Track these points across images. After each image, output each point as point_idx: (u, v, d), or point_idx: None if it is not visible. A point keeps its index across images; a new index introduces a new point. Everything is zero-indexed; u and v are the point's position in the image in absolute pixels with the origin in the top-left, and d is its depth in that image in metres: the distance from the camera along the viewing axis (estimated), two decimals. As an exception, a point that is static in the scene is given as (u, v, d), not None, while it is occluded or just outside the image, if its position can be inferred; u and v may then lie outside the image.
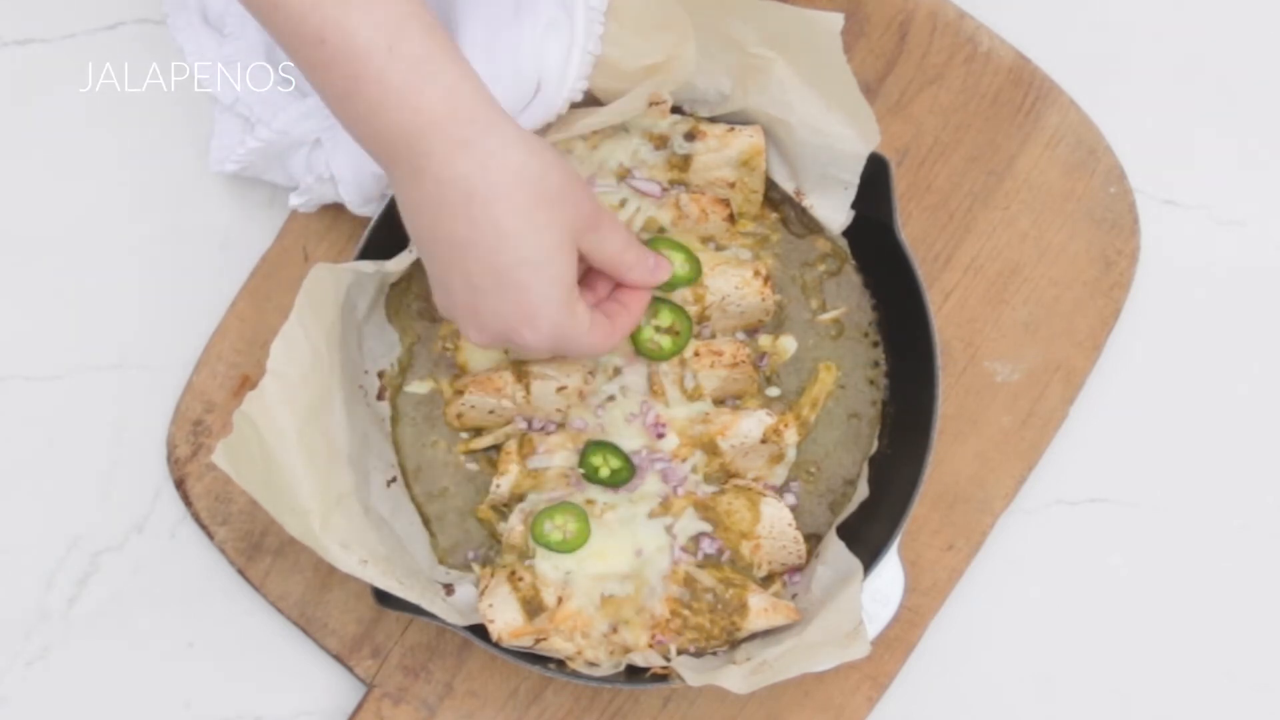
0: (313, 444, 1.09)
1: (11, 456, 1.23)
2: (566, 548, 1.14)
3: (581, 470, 1.15)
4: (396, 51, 0.96)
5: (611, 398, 1.16)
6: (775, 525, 1.15)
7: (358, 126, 0.99)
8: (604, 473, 1.15)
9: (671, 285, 1.15)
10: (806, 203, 1.18)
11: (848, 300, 1.21)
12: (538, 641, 1.13)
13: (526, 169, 0.98)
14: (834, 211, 1.17)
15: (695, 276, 1.15)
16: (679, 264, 1.15)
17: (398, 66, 0.96)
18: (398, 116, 0.96)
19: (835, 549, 1.15)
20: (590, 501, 1.14)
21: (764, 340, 1.20)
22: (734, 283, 1.16)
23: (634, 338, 1.15)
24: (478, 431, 1.19)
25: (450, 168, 0.97)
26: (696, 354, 1.16)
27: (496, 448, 1.19)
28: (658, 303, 1.15)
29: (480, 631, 1.14)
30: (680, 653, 1.14)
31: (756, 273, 1.16)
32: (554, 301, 1.01)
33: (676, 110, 1.17)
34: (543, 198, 0.99)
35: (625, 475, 1.15)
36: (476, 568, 1.18)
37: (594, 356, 1.09)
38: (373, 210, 1.16)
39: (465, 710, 1.21)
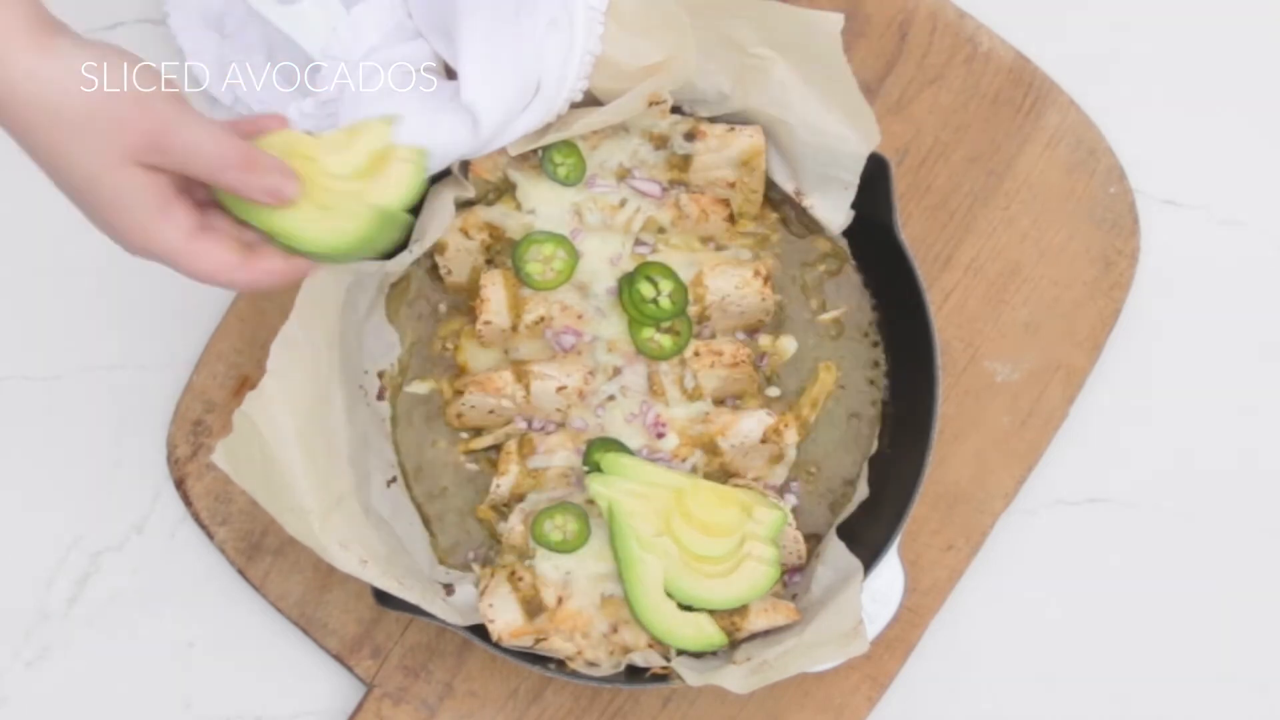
0: (312, 444, 1.09)
1: (11, 456, 1.23)
2: (566, 548, 1.14)
3: (586, 468, 1.15)
4: None
5: (611, 398, 1.16)
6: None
7: None
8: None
9: (655, 316, 1.14)
10: (806, 203, 1.18)
11: (848, 300, 1.21)
12: (538, 641, 1.13)
13: (44, 100, 0.91)
14: (834, 211, 1.17)
15: (681, 309, 1.15)
16: (666, 292, 1.14)
17: None
18: None
19: (835, 549, 1.15)
20: (590, 501, 1.14)
21: (764, 340, 1.20)
22: (734, 283, 1.16)
23: (634, 337, 1.15)
24: (478, 431, 1.19)
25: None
26: (696, 354, 1.16)
27: (496, 448, 1.19)
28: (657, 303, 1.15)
29: (480, 631, 1.14)
30: (680, 653, 1.14)
31: (756, 273, 1.16)
32: (128, 224, 0.95)
33: (676, 110, 1.17)
34: (72, 121, 0.92)
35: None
36: (476, 568, 1.18)
37: (214, 284, 0.98)
38: (373, 210, 1.16)
39: (465, 710, 1.21)
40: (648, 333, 1.15)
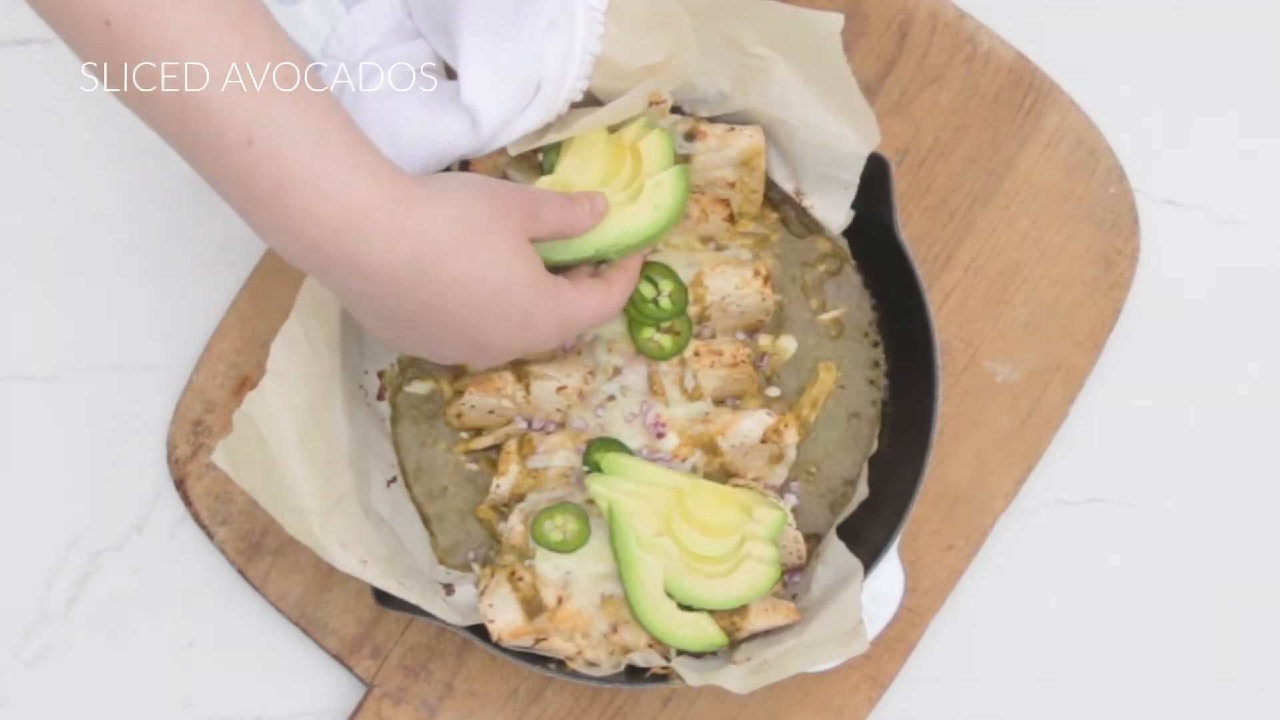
0: (313, 444, 1.09)
1: (11, 456, 1.23)
2: (566, 548, 1.14)
3: (586, 468, 1.15)
4: (323, 145, 0.91)
5: (611, 398, 1.16)
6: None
7: (284, 235, 0.93)
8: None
9: (656, 316, 1.15)
10: (806, 203, 1.18)
11: (848, 300, 1.21)
12: (538, 641, 1.13)
13: (453, 217, 0.96)
14: (834, 211, 1.17)
15: (681, 309, 1.15)
16: (666, 292, 1.15)
17: (325, 164, 0.91)
18: (330, 217, 0.91)
19: (835, 549, 1.15)
20: (590, 501, 1.14)
21: (764, 340, 1.20)
22: (734, 283, 1.16)
23: (634, 337, 1.15)
24: (478, 431, 1.19)
25: (392, 252, 0.94)
26: (696, 354, 1.16)
27: (496, 448, 1.19)
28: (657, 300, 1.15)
29: (480, 631, 1.14)
30: (680, 653, 1.14)
31: (756, 273, 1.16)
32: (539, 299, 1.01)
33: (676, 110, 1.17)
34: (477, 230, 0.97)
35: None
36: (476, 568, 1.18)
37: (604, 320, 1.08)
38: (373, 210, 1.15)
39: (465, 710, 1.21)
40: (648, 333, 1.15)
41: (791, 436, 1.16)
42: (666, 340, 1.16)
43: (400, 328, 1.00)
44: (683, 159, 1.16)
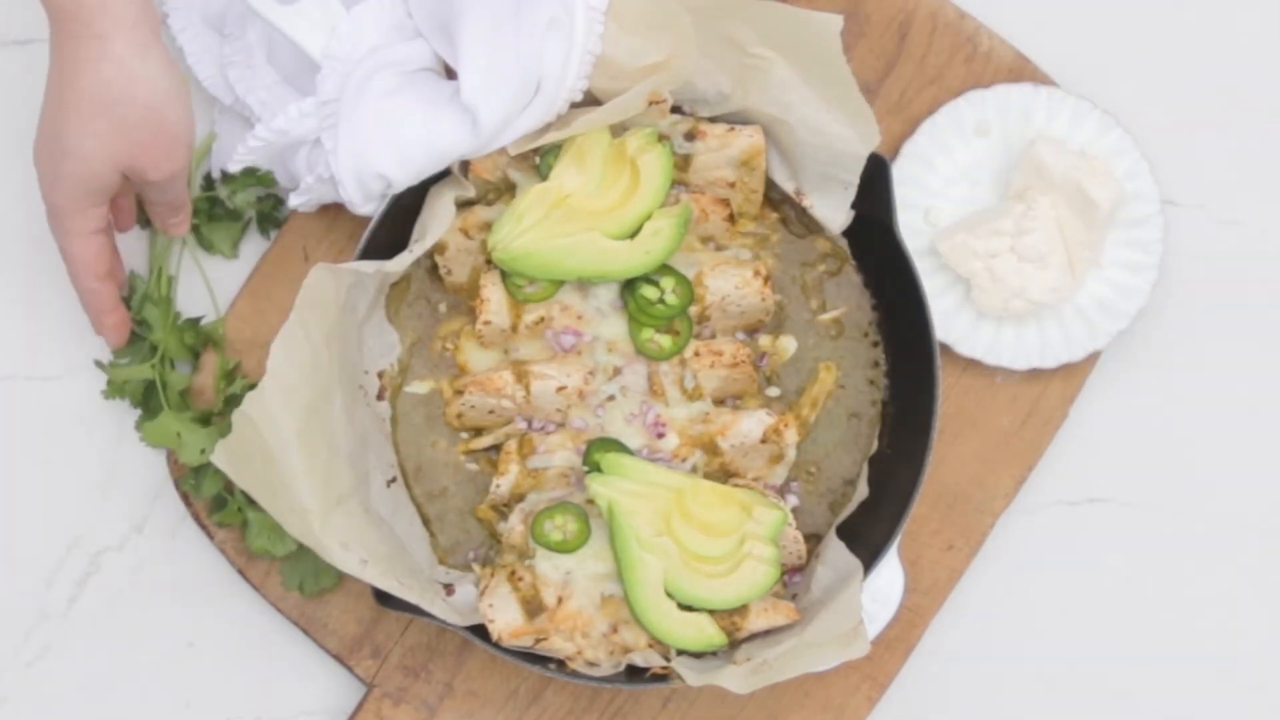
0: (312, 444, 1.09)
1: (11, 456, 1.23)
2: (566, 548, 1.14)
3: (586, 468, 1.15)
4: None
5: (611, 398, 1.16)
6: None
7: None
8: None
9: (663, 315, 1.15)
10: (806, 203, 1.18)
11: (848, 300, 1.21)
12: (538, 641, 1.13)
13: (110, 82, 1.05)
14: (834, 211, 1.17)
15: (687, 302, 1.15)
16: (670, 289, 1.15)
17: None
18: None
19: (835, 549, 1.15)
20: (590, 501, 1.14)
21: (764, 340, 1.20)
22: (734, 283, 1.16)
23: (634, 338, 1.15)
24: (478, 431, 1.19)
25: (76, 47, 1.04)
26: (696, 354, 1.16)
27: (496, 448, 1.19)
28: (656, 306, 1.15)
29: (480, 631, 1.14)
30: (680, 653, 1.14)
31: (756, 273, 1.16)
32: (66, 193, 1.09)
33: (676, 110, 1.17)
34: (108, 109, 1.05)
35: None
36: (476, 568, 1.18)
37: (71, 267, 1.13)
38: (373, 210, 1.16)
39: (465, 710, 1.21)
40: (648, 333, 1.15)
41: (791, 436, 1.16)
42: (666, 340, 1.16)
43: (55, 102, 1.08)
44: (680, 176, 1.16)
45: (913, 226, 1.15)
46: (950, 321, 1.20)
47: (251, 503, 1.17)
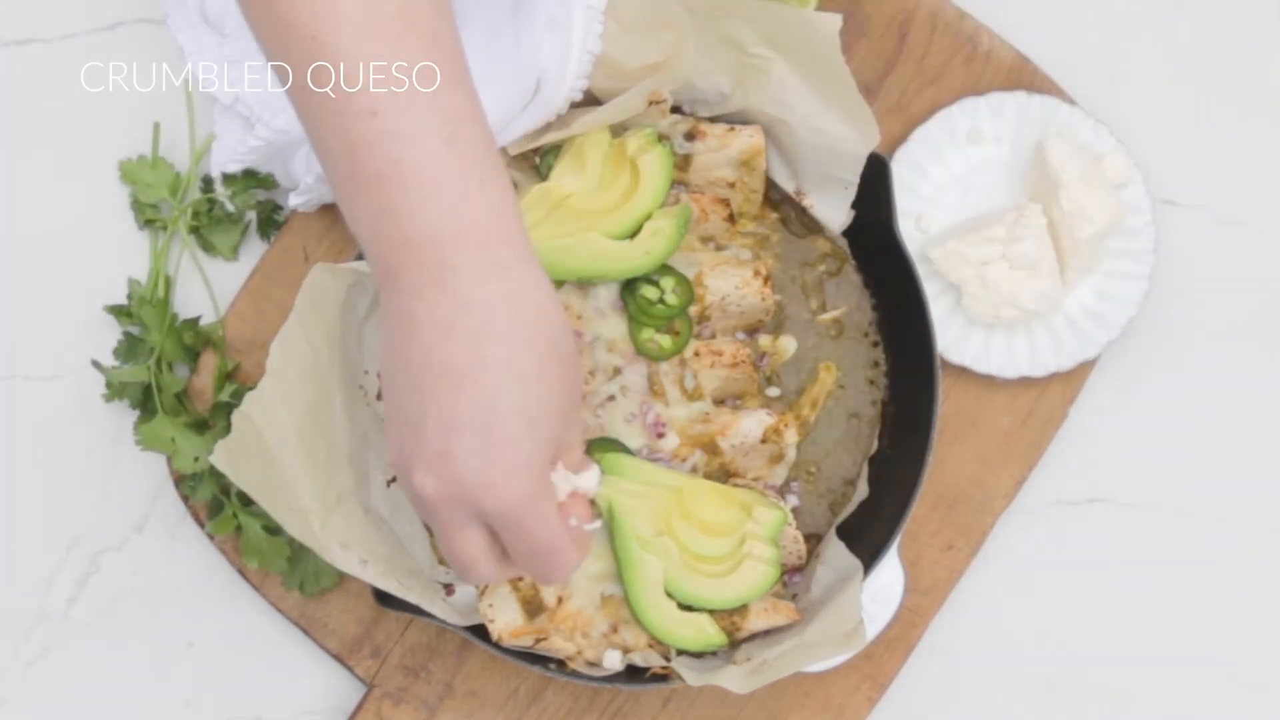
0: (312, 444, 1.09)
1: (11, 457, 1.23)
2: (566, 548, 1.14)
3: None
4: (456, 146, 0.84)
5: (611, 398, 1.16)
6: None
7: (378, 220, 0.85)
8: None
9: (663, 315, 1.15)
10: (806, 203, 1.18)
11: (848, 300, 1.21)
12: (538, 641, 1.13)
13: (549, 318, 0.87)
14: (834, 211, 1.17)
15: (688, 301, 1.15)
16: (670, 288, 1.15)
17: (453, 164, 0.84)
18: (436, 219, 0.84)
19: (835, 549, 1.15)
20: (591, 501, 1.14)
21: (764, 340, 1.20)
22: (734, 283, 1.16)
23: (634, 338, 1.15)
24: (478, 431, 1.19)
25: (478, 288, 0.85)
26: (696, 354, 1.16)
27: (496, 448, 1.19)
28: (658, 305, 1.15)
29: (480, 631, 1.14)
30: (680, 653, 1.14)
31: (756, 273, 1.16)
32: (535, 466, 0.88)
33: (676, 110, 1.17)
34: (556, 354, 0.88)
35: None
36: (476, 568, 1.18)
37: (553, 563, 0.92)
38: (373, 210, 1.15)
39: (465, 710, 1.21)
40: (648, 333, 1.15)
41: (791, 436, 1.16)
42: (666, 340, 1.16)
43: (419, 376, 0.87)
44: (680, 176, 1.16)
45: (904, 233, 1.15)
46: (941, 329, 1.20)
47: (248, 507, 1.17)
